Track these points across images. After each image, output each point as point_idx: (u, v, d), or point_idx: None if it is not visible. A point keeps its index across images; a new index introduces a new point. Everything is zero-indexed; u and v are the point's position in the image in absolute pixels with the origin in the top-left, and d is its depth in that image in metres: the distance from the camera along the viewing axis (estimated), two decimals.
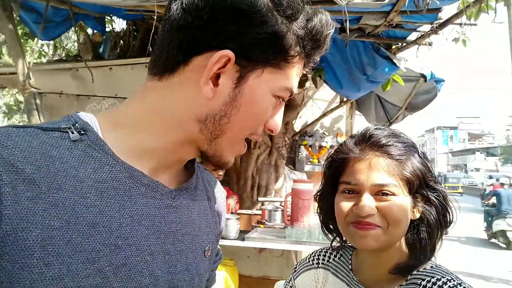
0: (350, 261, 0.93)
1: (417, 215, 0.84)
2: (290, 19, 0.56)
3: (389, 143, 0.82)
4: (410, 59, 3.71)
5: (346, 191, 0.83)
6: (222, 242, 2.57)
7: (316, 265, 0.98)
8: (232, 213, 3.43)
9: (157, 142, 0.58)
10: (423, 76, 4.02)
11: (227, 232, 2.57)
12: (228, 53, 0.53)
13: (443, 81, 4.17)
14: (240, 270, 2.75)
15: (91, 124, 0.55)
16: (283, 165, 4.54)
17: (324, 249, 1.01)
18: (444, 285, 0.75)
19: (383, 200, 0.79)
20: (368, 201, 0.79)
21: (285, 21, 0.55)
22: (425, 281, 0.77)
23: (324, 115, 4.89)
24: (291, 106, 4.65)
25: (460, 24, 3.17)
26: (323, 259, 0.98)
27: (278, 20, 0.55)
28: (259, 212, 3.43)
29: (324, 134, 4.82)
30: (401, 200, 0.80)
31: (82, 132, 0.54)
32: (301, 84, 4.64)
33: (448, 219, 0.85)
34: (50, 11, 3.34)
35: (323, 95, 4.96)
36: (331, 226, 0.94)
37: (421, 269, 0.81)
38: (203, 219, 0.69)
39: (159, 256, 0.57)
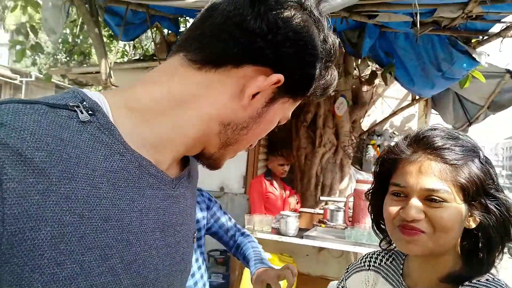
0: (401, 266, 0.90)
1: (473, 225, 0.78)
2: (325, 68, 0.61)
3: (444, 146, 0.77)
4: (493, 54, 3.39)
5: (395, 194, 0.81)
6: (280, 238, 2.59)
7: (367, 267, 0.97)
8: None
9: (175, 134, 0.55)
10: (509, 71, 3.65)
11: (286, 229, 2.58)
12: (281, 78, 0.55)
13: None
14: (298, 267, 2.75)
15: (100, 104, 0.51)
16: (348, 164, 4.42)
17: (377, 251, 1.00)
18: None
19: (432, 206, 0.75)
20: (415, 206, 0.76)
21: (322, 69, 0.60)
22: None
23: (394, 113, 4.66)
24: (359, 104, 4.51)
25: None
26: (375, 262, 0.97)
27: (321, 66, 0.60)
28: (321, 211, 3.39)
29: (394, 133, 4.60)
30: (453, 208, 0.75)
31: (90, 112, 0.49)
32: (370, 81, 4.48)
33: (511, 231, 0.77)
34: (130, 14, 3.61)
35: (394, 93, 4.73)
36: (382, 226, 0.92)
37: (474, 281, 0.75)
38: (192, 205, 0.69)
39: (163, 249, 0.57)
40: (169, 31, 4.93)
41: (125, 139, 0.51)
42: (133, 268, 0.50)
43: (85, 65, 6.88)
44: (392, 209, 0.80)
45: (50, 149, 0.43)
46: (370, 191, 0.93)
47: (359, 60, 4.37)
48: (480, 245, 0.78)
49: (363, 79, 4.55)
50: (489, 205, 0.76)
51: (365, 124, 4.76)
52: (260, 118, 0.58)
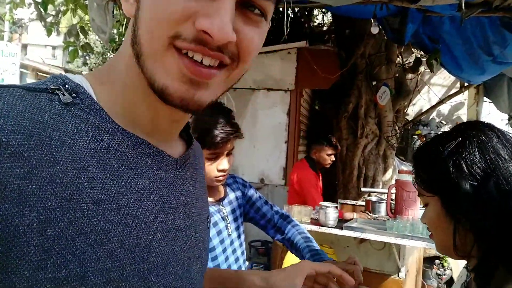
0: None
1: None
2: None
3: (414, 164, 0.87)
4: None
5: None
6: (320, 229, 2.58)
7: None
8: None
9: (137, 97, 0.49)
10: None
11: (325, 219, 2.57)
12: None
13: None
14: (339, 259, 2.72)
15: (82, 85, 0.48)
16: (392, 155, 4.29)
17: None
18: None
19: None
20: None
21: None
22: None
23: (441, 102, 4.45)
24: (403, 93, 4.36)
25: None
26: None
27: None
28: (363, 203, 3.32)
29: (442, 123, 4.41)
30: (429, 210, 0.84)
31: (74, 94, 0.46)
32: (414, 68, 4.30)
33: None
34: None
35: (441, 80, 4.52)
36: None
37: None
38: (203, 188, 0.65)
39: (170, 233, 0.53)
40: None
41: (114, 118, 0.48)
42: (136, 252, 0.47)
43: None
44: None
45: (28, 132, 0.40)
46: None
47: (402, 47, 4.21)
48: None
49: (407, 67, 4.39)
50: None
51: (410, 113, 4.59)
52: (139, 2, 0.46)
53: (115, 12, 4.35)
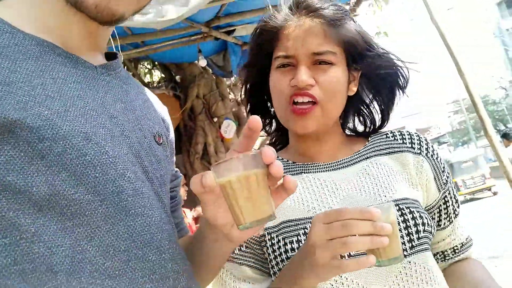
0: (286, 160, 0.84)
1: (354, 89, 0.81)
2: None
3: (323, 6, 0.77)
4: None
5: (282, 66, 0.77)
6: None
7: None
8: None
9: (42, 8, 0.55)
10: None
11: None
12: None
13: None
14: None
15: None
16: None
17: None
18: (412, 134, 0.83)
19: (321, 70, 0.74)
20: (305, 71, 0.73)
21: None
22: (390, 134, 0.84)
23: None
24: (243, 124, 4.66)
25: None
26: None
27: None
28: None
29: None
30: (339, 72, 0.75)
31: None
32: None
33: (404, 79, 0.82)
34: None
35: None
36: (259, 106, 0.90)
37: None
38: (144, 105, 0.66)
39: (94, 116, 0.54)
40: None
41: (22, 28, 0.52)
42: (69, 117, 0.50)
43: None
44: (282, 81, 0.76)
45: None
46: (247, 70, 0.87)
47: (231, 84, 4.58)
48: (365, 106, 0.86)
49: (239, 101, 4.74)
50: (368, 56, 0.78)
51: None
52: None
53: None
